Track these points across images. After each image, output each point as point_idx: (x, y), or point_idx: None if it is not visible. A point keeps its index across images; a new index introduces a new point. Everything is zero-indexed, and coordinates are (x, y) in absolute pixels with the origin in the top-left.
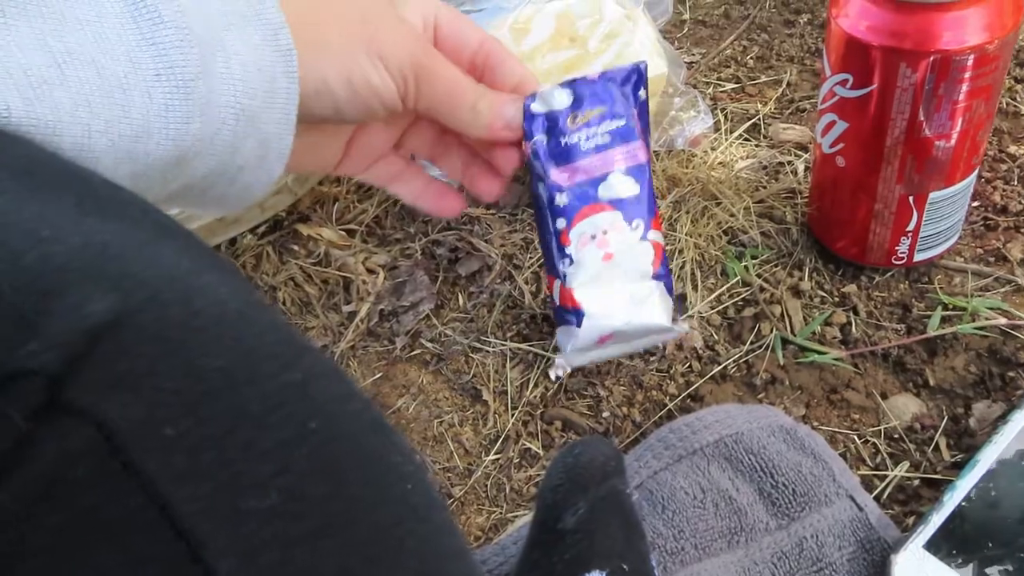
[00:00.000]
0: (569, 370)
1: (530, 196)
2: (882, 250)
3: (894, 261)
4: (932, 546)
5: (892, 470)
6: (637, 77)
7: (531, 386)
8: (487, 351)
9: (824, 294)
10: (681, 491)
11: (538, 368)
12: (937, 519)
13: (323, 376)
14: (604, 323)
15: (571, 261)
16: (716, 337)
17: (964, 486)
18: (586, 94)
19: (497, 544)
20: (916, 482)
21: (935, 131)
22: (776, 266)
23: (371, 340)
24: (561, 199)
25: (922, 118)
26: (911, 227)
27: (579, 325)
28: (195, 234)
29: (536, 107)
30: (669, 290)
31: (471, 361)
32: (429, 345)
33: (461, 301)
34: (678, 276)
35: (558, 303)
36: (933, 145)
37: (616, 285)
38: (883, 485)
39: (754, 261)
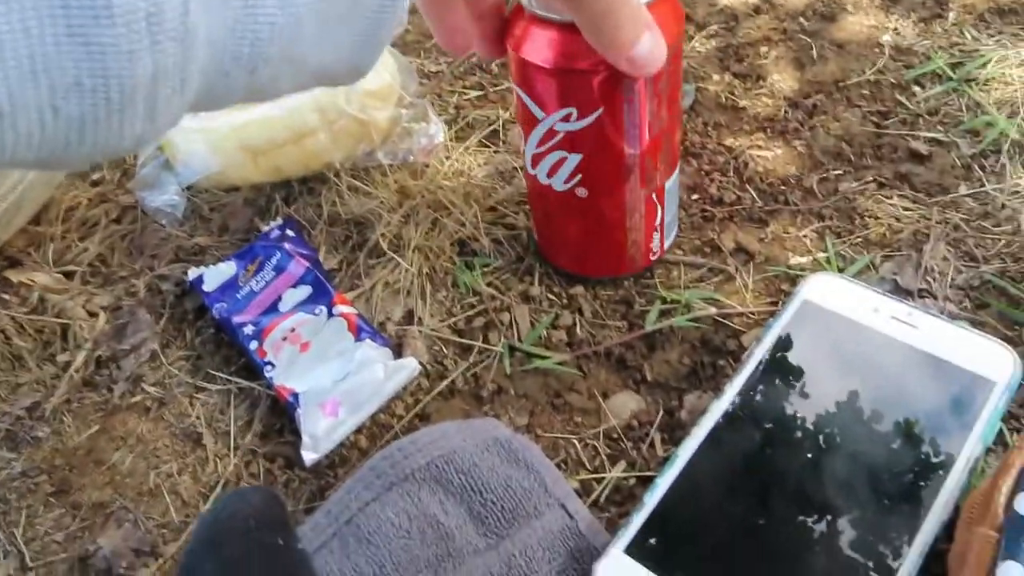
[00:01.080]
0: (318, 456)
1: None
2: (639, 255)
3: (651, 258)
4: (634, 549)
5: (609, 471)
6: (283, 223)
7: (255, 423)
8: (212, 390)
9: (553, 297)
10: (387, 522)
11: (263, 404)
12: (637, 520)
13: None
14: (319, 392)
15: (273, 366)
16: (445, 352)
17: (664, 483)
18: (247, 256)
19: None
20: (632, 481)
21: (660, 126)
22: (507, 273)
23: (87, 390)
24: (248, 329)
25: (650, 119)
26: (658, 221)
27: (300, 405)
28: None
29: (208, 287)
30: (380, 341)
31: (195, 402)
32: (151, 390)
33: (188, 338)
34: (408, 292)
35: (285, 403)
36: (661, 139)
37: (321, 363)
38: (601, 488)
39: (484, 270)
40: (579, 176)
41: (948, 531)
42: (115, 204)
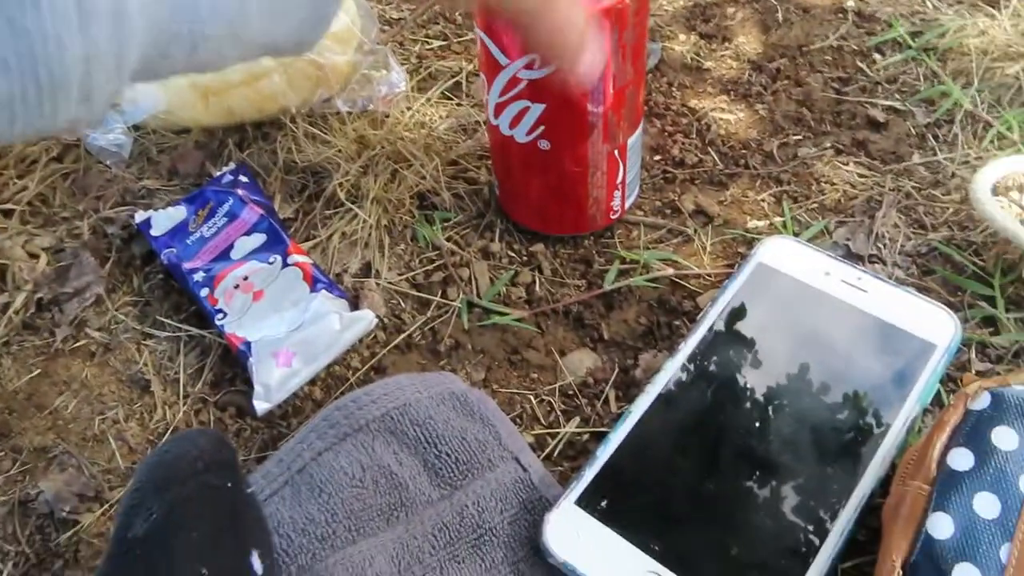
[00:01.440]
0: (270, 406)
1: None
2: (600, 214)
3: (612, 216)
4: (584, 501)
5: (564, 426)
6: (236, 169)
7: (206, 371)
8: (160, 337)
9: (513, 254)
10: (340, 471)
11: (215, 352)
12: (589, 474)
13: None
14: (272, 342)
15: (224, 314)
16: (403, 305)
17: (616, 438)
18: (198, 200)
19: None
20: (586, 436)
21: (625, 80)
22: (467, 228)
23: (28, 333)
24: (199, 276)
25: (614, 72)
26: (620, 179)
27: (253, 354)
28: None
29: (156, 231)
30: (337, 293)
31: (143, 349)
32: (96, 334)
33: (136, 283)
34: (366, 244)
35: (236, 351)
36: (625, 93)
37: (274, 312)
38: (555, 442)
39: (444, 224)
40: (541, 127)
41: (884, 487)
42: (56, 141)
